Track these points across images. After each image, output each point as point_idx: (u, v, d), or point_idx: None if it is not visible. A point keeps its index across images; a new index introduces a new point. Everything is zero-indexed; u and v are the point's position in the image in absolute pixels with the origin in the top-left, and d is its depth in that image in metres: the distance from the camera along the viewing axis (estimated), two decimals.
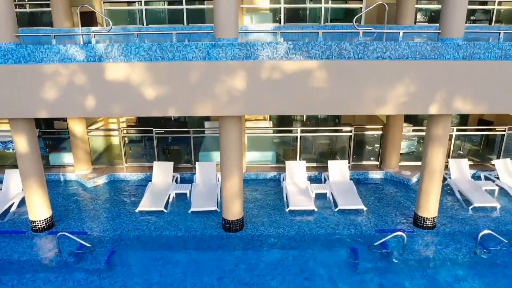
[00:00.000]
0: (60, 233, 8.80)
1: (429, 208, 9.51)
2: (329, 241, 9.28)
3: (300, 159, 12.37)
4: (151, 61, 8.05)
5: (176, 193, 11.16)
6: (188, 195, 11.15)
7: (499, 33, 8.47)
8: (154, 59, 8.09)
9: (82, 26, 10.06)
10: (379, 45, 8.10)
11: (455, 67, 7.98)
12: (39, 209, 9.46)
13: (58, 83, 7.96)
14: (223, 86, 7.97)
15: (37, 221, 9.50)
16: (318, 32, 8.42)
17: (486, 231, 8.73)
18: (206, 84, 7.98)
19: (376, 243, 8.89)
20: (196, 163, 11.69)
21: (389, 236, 8.79)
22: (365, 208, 10.34)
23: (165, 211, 10.32)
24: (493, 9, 12.03)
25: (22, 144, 8.81)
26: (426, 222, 9.59)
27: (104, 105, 8.16)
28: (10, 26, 8.10)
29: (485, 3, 12.16)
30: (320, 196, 11.11)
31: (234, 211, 9.44)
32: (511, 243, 8.98)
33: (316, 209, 10.34)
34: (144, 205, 10.32)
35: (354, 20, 10.23)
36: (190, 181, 11.95)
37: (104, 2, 11.95)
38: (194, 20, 11.72)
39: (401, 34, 8.30)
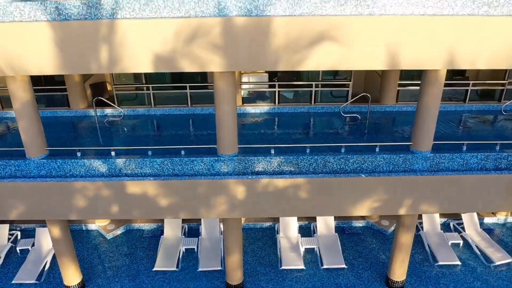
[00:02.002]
0: None
1: (399, 273, 11.37)
2: None
3: None
4: (163, 173, 9.53)
5: (185, 248, 12.98)
6: (196, 249, 12.97)
7: (463, 143, 9.83)
8: (166, 171, 9.55)
9: (93, 97, 11.09)
10: (358, 158, 9.53)
11: (420, 179, 9.44)
12: (72, 276, 11.31)
13: (86, 195, 9.46)
14: (225, 197, 9.48)
15: (71, 286, 11.40)
16: (307, 147, 9.78)
17: None
18: (211, 195, 9.48)
19: None
20: (202, 219, 13.40)
21: None
22: (346, 267, 12.19)
23: (177, 269, 12.18)
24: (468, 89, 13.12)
25: (56, 233, 10.47)
26: (395, 284, 11.50)
27: (126, 211, 9.71)
28: (41, 143, 9.49)
29: (462, 85, 13.18)
30: (309, 250, 12.95)
31: (235, 277, 11.31)
32: None
33: (304, 268, 12.21)
34: (159, 265, 12.16)
35: (341, 108, 11.52)
36: (196, 231, 13.73)
37: (114, 85, 13.04)
38: (197, 101, 12.87)
39: (377, 148, 9.68)
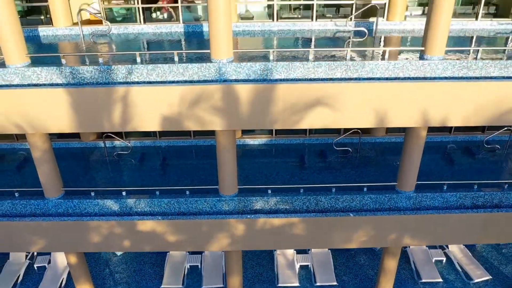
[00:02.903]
0: None
1: None
2: None
3: None
4: (170, 211, 10.47)
5: (190, 265, 14.07)
6: (199, 266, 14.06)
7: (444, 184, 10.71)
8: (172, 209, 10.49)
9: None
10: (347, 197, 10.44)
11: (404, 218, 10.38)
12: None
13: (100, 232, 10.43)
14: (227, 233, 10.45)
15: None
16: (300, 188, 10.65)
17: None
18: (214, 232, 10.44)
19: None
20: None
21: None
22: (337, 284, 13.30)
23: (182, 286, 13.29)
24: None
25: (72, 260, 11.51)
26: None
27: (137, 245, 10.72)
28: (57, 185, 10.38)
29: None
30: (304, 267, 14.05)
31: None
32: None
33: (299, 285, 13.32)
34: (166, 283, 13.25)
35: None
36: None
37: None
38: (199, 134, 13.60)
39: (365, 188, 10.58)
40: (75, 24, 12.12)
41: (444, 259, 14.20)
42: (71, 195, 10.58)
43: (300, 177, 11.63)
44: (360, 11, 11.74)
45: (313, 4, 11.91)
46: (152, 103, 8.67)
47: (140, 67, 8.61)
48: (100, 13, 12.04)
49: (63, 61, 8.92)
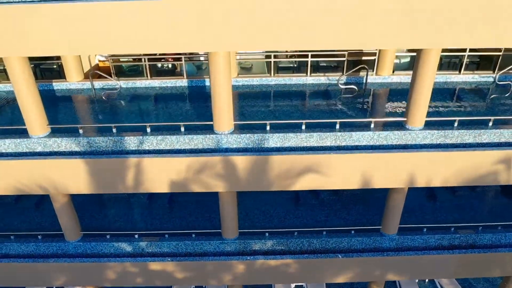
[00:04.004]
0: None
1: None
2: None
3: None
4: (178, 251, 11.68)
5: None
6: None
7: (424, 228, 11.87)
8: (180, 250, 11.69)
9: None
10: (337, 239, 11.63)
11: (387, 258, 11.60)
12: None
13: (116, 271, 11.67)
14: (229, 271, 11.70)
15: None
16: (294, 231, 11.83)
17: None
18: (218, 271, 11.69)
19: None
20: None
21: None
22: None
23: None
24: None
25: None
26: None
27: (149, 281, 11.97)
28: (76, 228, 11.51)
29: None
30: None
31: None
32: None
33: None
34: None
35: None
36: None
37: None
38: None
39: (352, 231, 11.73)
40: (86, 78, 13.02)
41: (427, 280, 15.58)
42: (90, 238, 11.79)
43: (295, 214, 12.79)
44: (351, 71, 12.52)
45: (307, 62, 12.79)
46: (162, 170, 9.71)
47: (150, 138, 9.61)
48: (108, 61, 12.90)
49: (81, 131, 9.90)
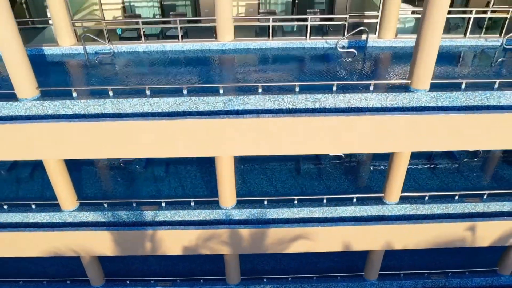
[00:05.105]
0: None
1: None
2: None
3: None
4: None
5: None
6: None
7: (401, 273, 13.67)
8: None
9: None
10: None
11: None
12: None
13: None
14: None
15: None
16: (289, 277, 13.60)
17: None
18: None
19: None
20: None
21: None
22: None
23: None
24: None
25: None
26: None
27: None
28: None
29: None
30: None
31: None
32: None
33: None
34: None
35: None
36: None
37: None
38: None
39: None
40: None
41: None
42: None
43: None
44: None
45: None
46: (174, 240, 11.44)
47: (165, 212, 11.29)
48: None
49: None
